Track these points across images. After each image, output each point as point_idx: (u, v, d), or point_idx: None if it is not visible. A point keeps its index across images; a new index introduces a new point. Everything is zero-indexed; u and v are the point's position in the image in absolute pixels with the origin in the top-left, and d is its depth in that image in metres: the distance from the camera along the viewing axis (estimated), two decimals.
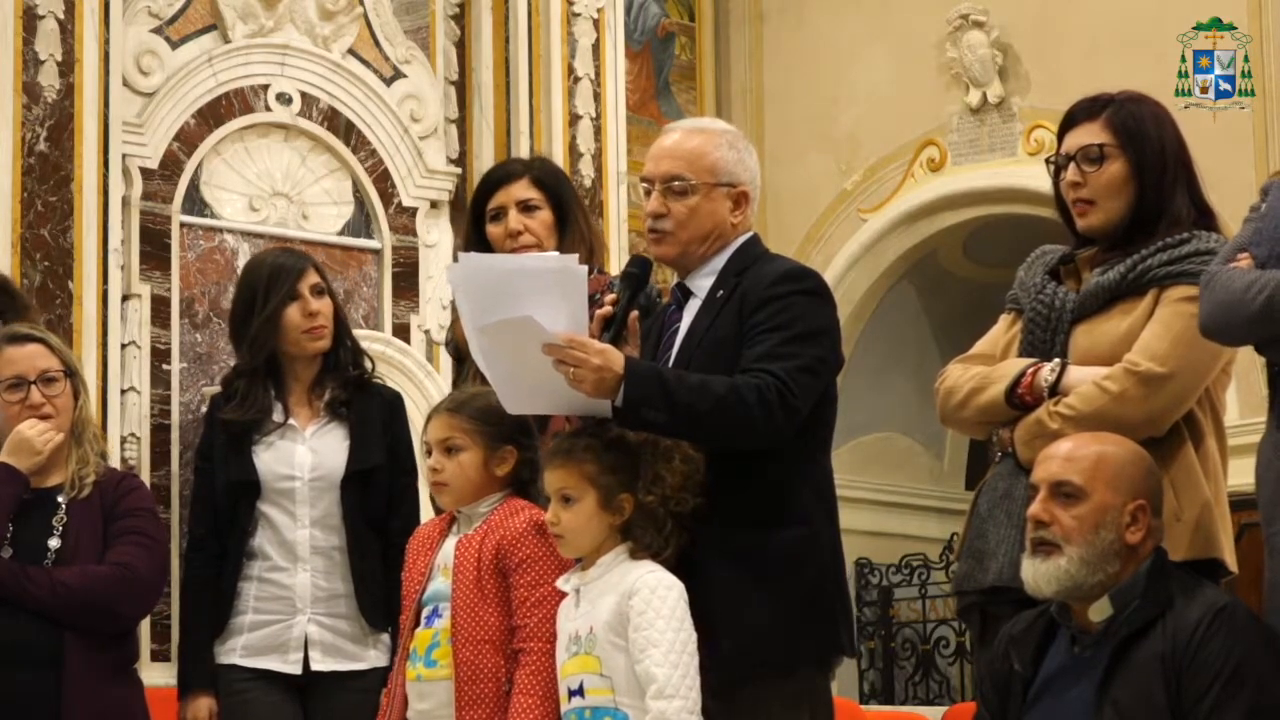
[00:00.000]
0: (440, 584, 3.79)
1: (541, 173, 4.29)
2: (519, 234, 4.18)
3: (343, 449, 4.42)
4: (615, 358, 3.49)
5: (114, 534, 4.22)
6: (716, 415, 3.49)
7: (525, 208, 4.23)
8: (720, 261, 3.73)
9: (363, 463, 4.40)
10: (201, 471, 4.48)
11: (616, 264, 8.06)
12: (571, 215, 4.28)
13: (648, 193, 3.77)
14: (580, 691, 3.53)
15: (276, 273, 4.48)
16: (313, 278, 4.48)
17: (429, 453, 3.84)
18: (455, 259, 4.03)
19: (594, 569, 3.58)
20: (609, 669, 3.50)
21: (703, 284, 3.74)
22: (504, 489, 3.82)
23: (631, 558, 3.55)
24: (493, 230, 4.23)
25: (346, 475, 4.39)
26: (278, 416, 4.44)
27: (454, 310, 4.16)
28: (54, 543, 4.18)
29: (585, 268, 3.58)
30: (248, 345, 4.47)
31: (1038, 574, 3.46)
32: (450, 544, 3.81)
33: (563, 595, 3.65)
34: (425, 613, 3.81)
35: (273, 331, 4.42)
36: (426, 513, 4.53)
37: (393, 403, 4.56)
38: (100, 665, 4.14)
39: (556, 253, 4.01)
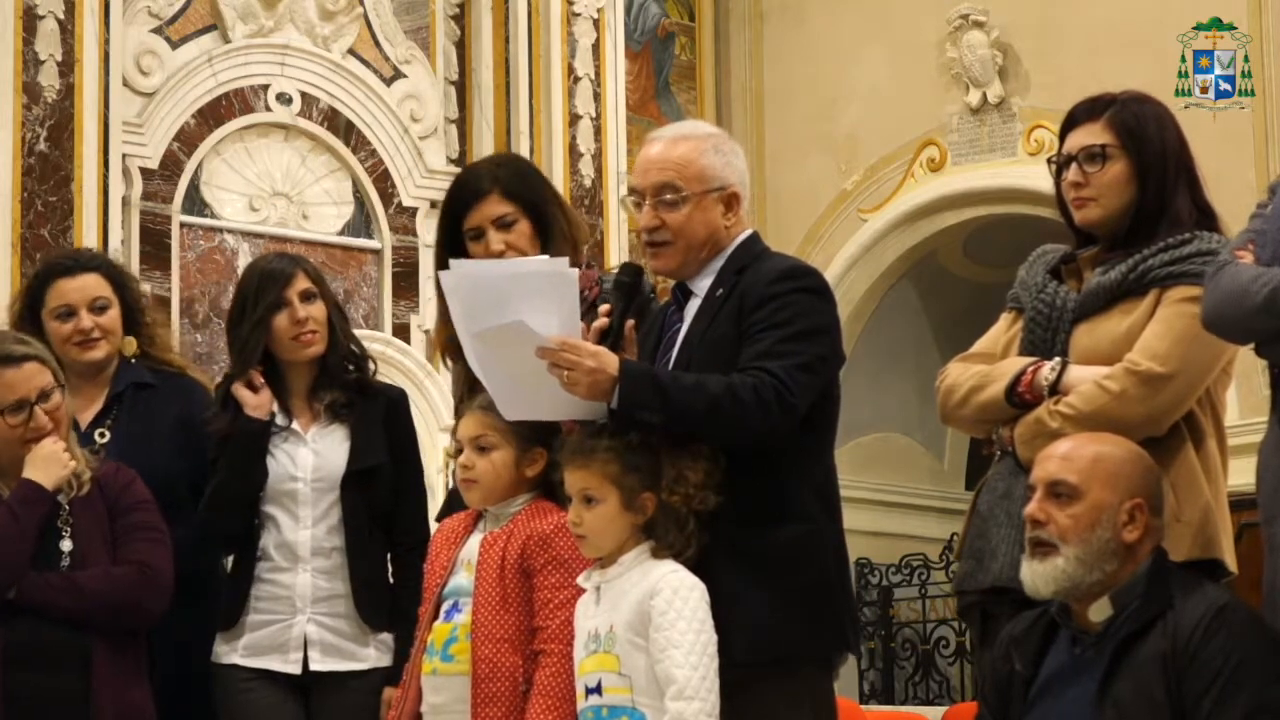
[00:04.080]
0: (462, 579, 3.80)
1: (509, 183, 4.24)
2: (501, 254, 4.16)
3: (343, 449, 4.41)
4: (609, 359, 3.49)
5: (122, 530, 4.21)
6: (713, 415, 3.49)
7: (501, 225, 4.20)
8: (719, 262, 3.72)
9: (363, 462, 4.40)
10: (214, 465, 4.47)
11: (616, 262, 8.06)
12: (549, 218, 4.24)
13: (638, 205, 3.75)
14: (598, 690, 3.52)
15: (265, 279, 4.46)
16: (301, 283, 4.45)
17: (459, 450, 3.84)
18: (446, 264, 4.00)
19: (615, 567, 3.57)
20: (628, 668, 3.50)
21: (702, 284, 3.73)
22: (533, 490, 3.82)
23: (653, 556, 3.55)
24: (473, 249, 4.21)
25: (347, 475, 4.39)
26: (281, 420, 4.44)
27: (439, 314, 4.13)
28: (66, 545, 4.17)
29: (575, 270, 3.57)
30: (237, 352, 4.47)
31: (1035, 575, 3.47)
32: (475, 540, 3.82)
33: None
34: (445, 607, 3.82)
35: (261, 338, 4.41)
36: (433, 510, 4.53)
37: (396, 401, 4.55)
38: (124, 666, 4.15)
39: (546, 256, 3.99)
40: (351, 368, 4.49)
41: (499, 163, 4.44)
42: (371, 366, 4.56)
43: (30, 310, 4.54)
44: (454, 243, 4.23)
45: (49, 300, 4.51)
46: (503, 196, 4.19)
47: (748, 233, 3.77)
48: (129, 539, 4.20)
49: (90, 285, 4.52)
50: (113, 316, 4.54)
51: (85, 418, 4.50)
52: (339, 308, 4.57)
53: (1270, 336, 3.42)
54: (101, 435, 4.49)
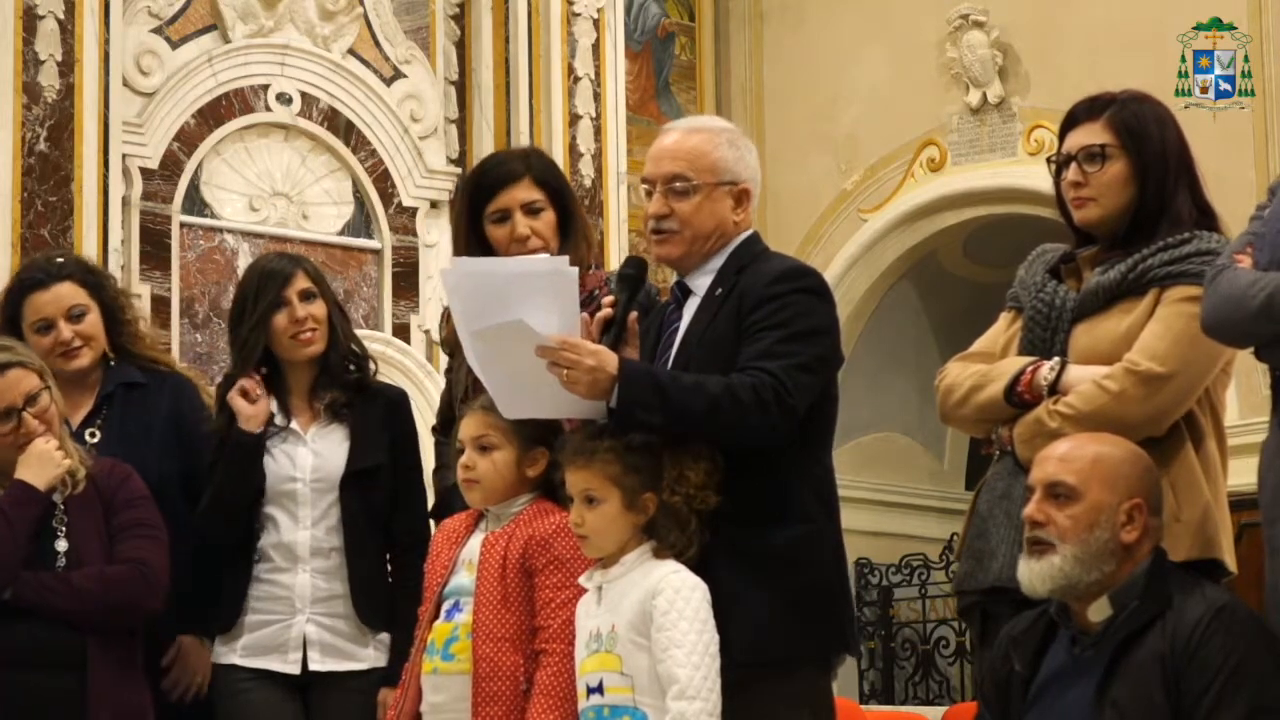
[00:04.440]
0: (463, 579, 3.80)
1: (541, 171, 4.27)
2: (526, 239, 4.18)
3: (342, 450, 4.41)
4: (609, 359, 3.50)
5: (119, 527, 4.20)
6: (712, 415, 3.49)
7: (529, 210, 4.21)
8: (720, 260, 3.73)
9: (362, 462, 4.39)
10: (213, 467, 4.47)
11: (616, 263, 8.06)
12: (573, 212, 4.27)
13: (649, 194, 3.77)
14: (599, 689, 3.53)
15: (264, 279, 4.46)
16: (301, 283, 4.45)
17: (461, 450, 3.84)
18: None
19: (617, 567, 3.58)
20: (630, 668, 3.50)
21: (702, 282, 3.74)
22: (534, 490, 3.83)
23: (655, 556, 3.55)
24: (496, 232, 4.22)
25: (346, 475, 4.38)
26: (280, 420, 4.43)
27: (446, 309, 4.15)
28: (61, 545, 4.16)
29: (575, 269, 3.58)
30: (237, 351, 4.47)
31: (1033, 574, 3.46)
32: (476, 540, 3.83)
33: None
34: (446, 606, 3.82)
35: (261, 338, 4.41)
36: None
37: (395, 401, 4.54)
38: (121, 666, 4.15)
39: (547, 254, 4.00)
40: (353, 368, 4.49)
41: (529, 152, 4.46)
42: (372, 366, 4.55)
43: (10, 324, 4.52)
44: (474, 227, 4.24)
45: (26, 315, 4.50)
46: (534, 183, 4.22)
47: (749, 232, 3.78)
48: (125, 537, 4.19)
49: (65, 295, 4.50)
50: (92, 321, 4.52)
51: (75, 419, 4.49)
52: (340, 308, 4.56)
53: (1269, 340, 3.42)
54: (92, 435, 4.49)
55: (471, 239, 4.24)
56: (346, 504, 4.37)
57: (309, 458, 4.40)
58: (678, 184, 3.70)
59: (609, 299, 3.74)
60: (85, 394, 4.53)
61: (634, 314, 3.73)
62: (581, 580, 3.64)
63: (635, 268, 3.80)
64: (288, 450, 4.41)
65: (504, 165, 4.30)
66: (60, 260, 4.69)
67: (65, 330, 4.48)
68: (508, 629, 3.71)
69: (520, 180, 4.22)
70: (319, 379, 4.45)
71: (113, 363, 4.56)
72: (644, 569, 3.54)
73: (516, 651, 3.70)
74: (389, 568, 4.47)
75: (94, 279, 4.60)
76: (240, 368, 4.43)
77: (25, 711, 4.03)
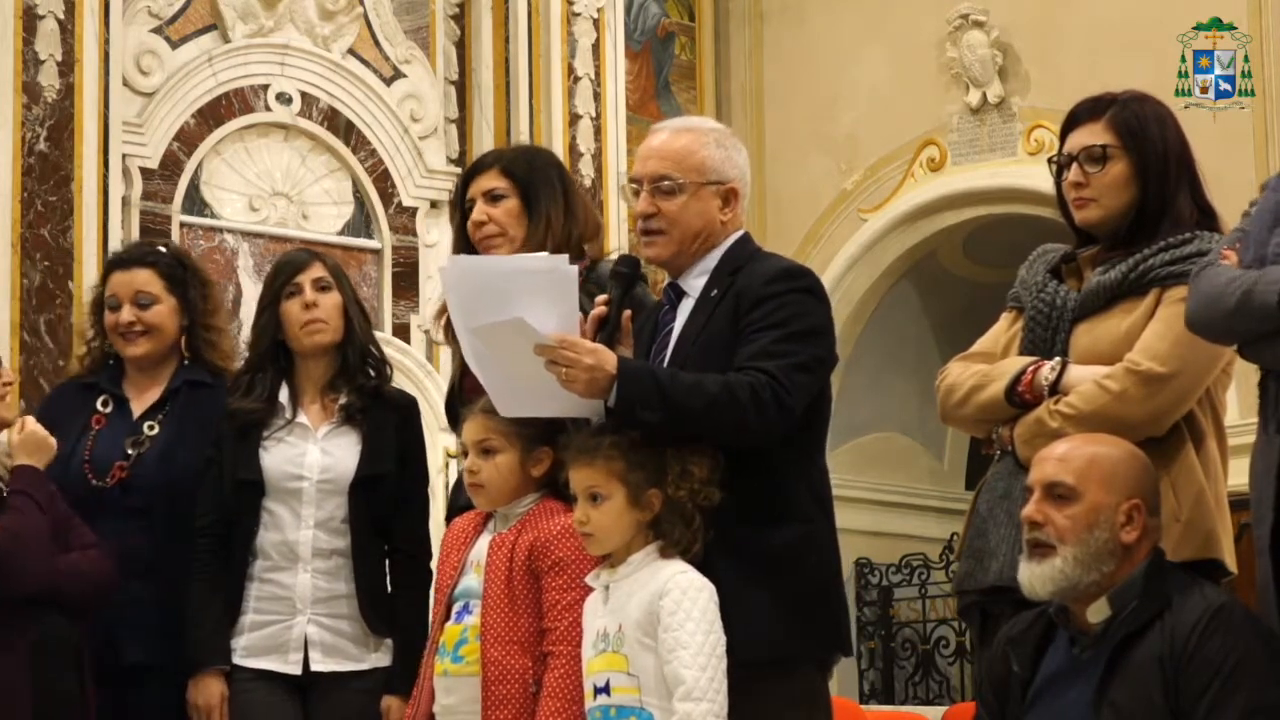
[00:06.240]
0: (472, 581, 3.81)
1: (511, 162, 4.28)
2: (482, 224, 4.19)
3: (354, 453, 4.39)
4: (607, 357, 3.50)
5: (60, 518, 4.22)
6: (710, 413, 3.49)
7: (490, 197, 4.23)
8: (713, 260, 3.74)
9: (374, 468, 4.37)
10: (210, 461, 4.47)
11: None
12: (538, 202, 4.25)
13: (636, 193, 3.77)
14: (606, 689, 3.53)
15: (280, 268, 4.51)
16: (316, 272, 4.46)
17: (465, 454, 3.85)
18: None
19: (624, 567, 3.58)
20: (636, 668, 3.50)
21: (696, 283, 3.74)
22: (540, 490, 3.83)
23: (661, 556, 3.55)
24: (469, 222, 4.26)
25: (356, 479, 4.37)
26: (288, 413, 4.42)
27: (442, 304, 4.16)
28: None
29: (575, 268, 3.59)
30: (251, 338, 4.51)
31: (1033, 576, 3.46)
32: (484, 541, 3.83)
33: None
34: (456, 608, 3.83)
35: (271, 325, 4.43)
36: (434, 519, 4.52)
37: (407, 408, 4.53)
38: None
39: (546, 253, 4.01)
40: (371, 372, 4.47)
41: (514, 147, 4.49)
42: (389, 373, 4.54)
43: (100, 300, 4.63)
44: (463, 222, 4.27)
45: (106, 290, 4.60)
46: (500, 172, 4.24)
47: (740, 233, 3.78)
48: (70, 527, 4.24)
49: (138, 280, 4.56)
50: (160, 312, 4.56)
51: (140, 406, 4.55)
52: (361, 308, 4.55)
53: (1248, 338, 3.42)
54: (151, 428, 4.52)
55: (461, 236, 4.29)
56: (354, 508, 4.36)
57: (318, 457, 4.39)
58: (664, 183, 3.71)
59: (602, 297, 3.75)
60: (155, 385, 4.58)
61: (628, 312, 3.74)
62: (588, 580, 3.64)
63: (628, 265, 3.80)
64: (295, 445, 4.39)
65: (482, 158, 4.35)
66: (159, 248, 4.75)
67: (126, 313, 4.53)
68: (516, 631, 3.71)
69: (488, 170, 4.26)
70: (335, 377, 4.45)
71: (187, 362, 4.59)
72: (651, 569, 3.54)
73: (525, 654, 3.70)
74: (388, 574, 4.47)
75: (179, 274, 4.62)
76: (252, 352, 4.46)
77: (51, 709, 4.07)
